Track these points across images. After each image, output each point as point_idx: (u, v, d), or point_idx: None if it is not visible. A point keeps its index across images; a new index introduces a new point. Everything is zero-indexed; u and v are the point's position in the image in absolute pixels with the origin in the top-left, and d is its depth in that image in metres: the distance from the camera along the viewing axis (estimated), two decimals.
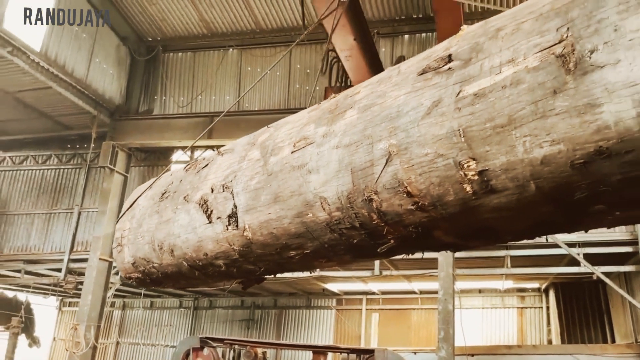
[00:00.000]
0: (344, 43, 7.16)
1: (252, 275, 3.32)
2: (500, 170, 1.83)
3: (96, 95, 12.69)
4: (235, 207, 2.92)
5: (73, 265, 12.65)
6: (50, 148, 14.89)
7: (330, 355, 9.55)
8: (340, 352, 9.18)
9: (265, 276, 3.48)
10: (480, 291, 16.41)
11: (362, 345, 13.60)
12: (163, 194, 3.69)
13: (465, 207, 2.00)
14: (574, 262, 10.49)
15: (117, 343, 17.01)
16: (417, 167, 2.04)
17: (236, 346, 9.72)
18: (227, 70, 13.77)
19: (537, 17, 1.79)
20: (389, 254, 2.53)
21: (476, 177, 1.89)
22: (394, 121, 2.12)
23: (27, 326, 16.89)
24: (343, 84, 9.07)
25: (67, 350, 12.22)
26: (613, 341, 12.33)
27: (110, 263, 11.32)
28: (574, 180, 1.70)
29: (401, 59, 9.13)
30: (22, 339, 15.53)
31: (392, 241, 2.38)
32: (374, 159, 2.19)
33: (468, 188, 1.93)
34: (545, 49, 1.69)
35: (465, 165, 1.90)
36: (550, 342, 15.00)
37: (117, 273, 11.98)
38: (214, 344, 9.67)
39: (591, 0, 1.63)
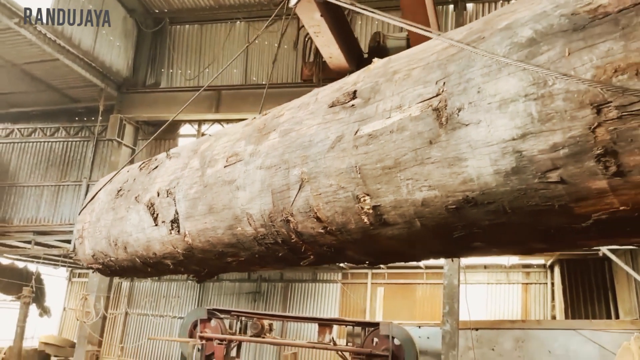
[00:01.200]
0: (310, 19, 7.19)
1: (198, 274, 3.54)
2: (390, 207, 2.00)
3: (103, 68, 12.74)
4: (177, 213, 3.10)
5: None
6: (58, 121, 15.03)
7: (335, 327, 9.83)
8: (346, 325, 9.45)
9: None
10: (485, 267, 16.67)
11: (367, 319, 14.00)
12: (119, 191, 3.87)
13: (366, 234, 2.19)
14: None
15: (126, 313, 17.49)
16: (324, 196, 2.21)
17: (243, 318, 10.07)
18: (235, 43, 13.71)
19: (424, 65, 1.94)
20: (314, 265, 2.73)
21: (371, 211, 2.07)
22: (307, 150, 2.29)
23: (38, 296, 17.31)
24: (319, 59, 9.13)
25: (77, 320, 12.61)
26: (617, 317, 12.61)
27: None
28: (451, 222, 1.88)
29: (377, 35, 9.12)
30: (33, 308, 15.99)
31: (311, 257, 2.58)
32: (289, 183, 2.36)
33: (365, 219, 2.11)
34: (425, 100, 1.84)
35: (362, 200, 2.08)
36: (554, 317, 15.35)
37: None
38: (221, 316, 10.02)
39: (465, 58, 1.77)
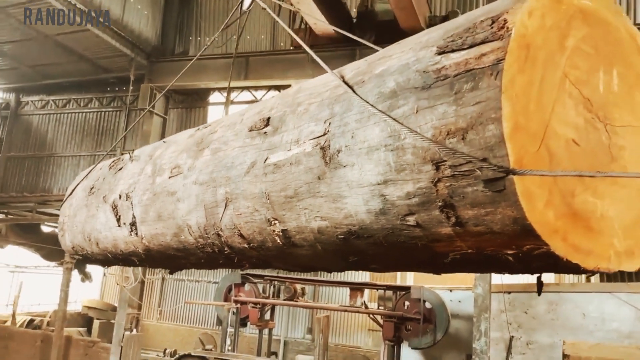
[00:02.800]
0: None
1: (166, 268, 3.80)
2: (295, 231, 2.20)
3: (132, 37, 13.01)
4: (134, 217, 3.34)
5: None
6: (91, 91, 15.50)
7: (367, 291, 10.15)
8: (377, 289, 9.76)
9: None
10: None
11: (399, 283, 14.38)
12: (91, 189, 4.12)
13: (282, 253, 2.39)
14: None
15: (163, 279, 18.29)
16: (243, 216, 2.41)
17: (276, 282, 10.49)
18: (262, 9, 13.72)
19: (319, 102, 2.09)
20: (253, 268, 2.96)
21: (281, 234, 2.26)
22: (229, 171, 2.48)
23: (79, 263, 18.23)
24: (306, 26, 9.15)
25: (117, 285, 13.27)
26: None
27: None
28: (344, 249, 2.07)
29: (365, 0, 9.04)
30: (75, 274, 16.86)
31: (246, 265, 2.80)
32: (217, 201, 2.56)
33: (279, 240, 2.31)
34: (315, 138, 2.01)
35: (273, 223, 2.27)
36: (588, 280, 15.47)
37: None
38: (255, 280, 10.43)
39: (347, 100, 1.92)
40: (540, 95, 1.49)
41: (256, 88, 13.53)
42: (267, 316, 11.66)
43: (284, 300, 10.46)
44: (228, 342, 11.66)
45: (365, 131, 1.79)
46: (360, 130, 1.80)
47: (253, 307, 10.55)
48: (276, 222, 2.25)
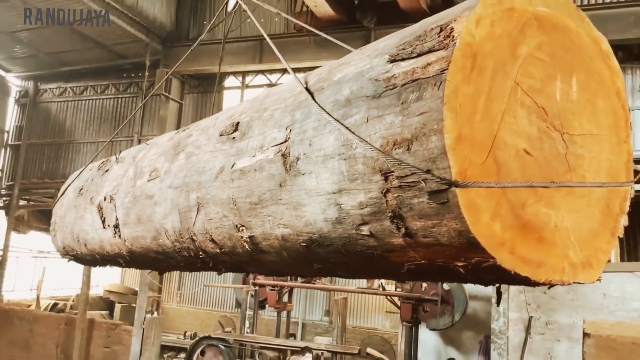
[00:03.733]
0: None
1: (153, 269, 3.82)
2: (261, 238, 2.20)
3: (147, 22, 13.10)
4: (117, 219, 3.36)
5: None
6: (107, 78, 15.68)
7: None
8: None
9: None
10: None
11: None
12: (80, 190, 4.15)
13: (252, 258, 2.39)
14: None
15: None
16: (214, 221, 2.42)
17: None
18: None
19: (283, 108, 2.08)
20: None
21: (248, 240, 2.26)
22: (200, 176, 2.48)
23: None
24: (308, 9, 9.13)
25: (138, 269, 13.41)
26: None
27: None
28: (307, 256, 2.07)
29: None
30: None
31: (222, 269, 2.81)
32: (190, 205, 2.57)
33: (247, 246, 2.31)
34: (277, 145, 2.00)
35: (240, 229, 2.27)
36: (609, 260, 15.32)
37: None
38: None
39: (307, 107, 1.91)
40: (488, 105, 1.47)
41: (271, 72, 13.52)
42: (285, 298, 11.76)
43: (302, 282, 10.54)
44: (247, 324, 11.81)
45: (321, 139, 1.78)
46: (317, 138, 1.80)
47: (271, 290, 10.66)
48: (243, 228, 2.25)
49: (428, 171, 1.42)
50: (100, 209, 3.62)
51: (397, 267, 1.79)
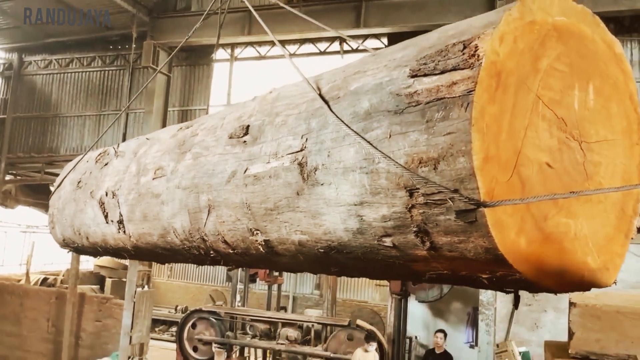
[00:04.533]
0: None
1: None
2: (277, 242, 2.22)
3: None
4: (121, 215, 3.36)
5: None
6: (93, 50, 15.29)
7: None
8: None
9: None
10: None
11: None
12: (78, 183, 4.12)
13: (266, 259, 2.42)
14: None
15: None
16: (226, 224, 2.43)
17: None
18: None
19: (297, 114, 2.08)
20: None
21: (263, 244, 2.28)
22: (211, 178, 2.48)
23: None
24: None
25: None
26: None
27: None
28: (325, 260, 2.10)
29: None
30: None
31: (234, 266, 2.83)
32: (200, 207, 2.57)
33: (261, 249, 2.33)
34: (293, 153, 2.00)
35: (255, 233, 2.29)
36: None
37: None
38: None
39: (323, 116, 1.91)
40: (512, 122, 1.49)
41: (260, 43, 13.32)
42: (276, 272, 11.79)
43: None
44: (238, 298, 11.92)
45: (340, 151, 1.78)
46: (336, 150, 1.80)
47: None
48: (258, 232, 2.26)
49: (456, 191, 1.44)
50: (102, 204, 3.61)
51: (418, 275, 1.83)
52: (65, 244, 4.50)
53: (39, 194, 16.51)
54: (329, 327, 10.01)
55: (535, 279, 1.51)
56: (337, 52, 12.49)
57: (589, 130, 1.71)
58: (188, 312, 11.67)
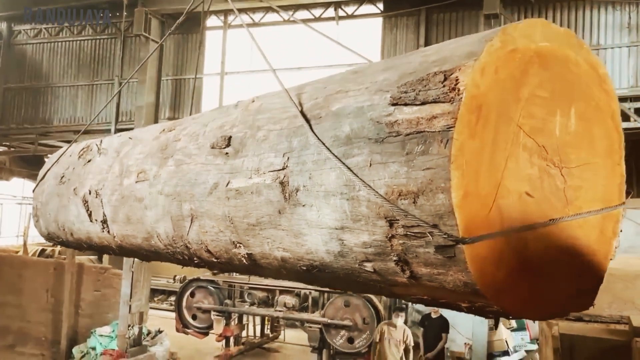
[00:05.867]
0: None
1: None
2: (259, 256, 2.22)
3: None
4: (105, 215, 3.33)
5: None
6: (84, 18, 14.93)
7: None
8: None
9: None
10: None
11: None
12: (62, 178, 4.07)
13: (250, 270, 2.42)
14: (625, 118, 9.74)
15: None
16: (209, 234, 2.42)
17: None
18: None
19: (279, 131, 2.05)
20: None
21: (246, 256, 2.28)
22: (193, 188, 2.46)
23: None
24: None
25: None
26: None
27: None
28: (307, 277, 2.10)
29: None
30: None
31: (219, 271, 2.83)
32: (183, 215, 2.56)
33: (244, 261, 2.33)
34: (275, 171, 1.99)
35: (238, 246, 2.28)
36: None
37: None
38: None
39: (304, 136, 1.89)
40: (492, 155, 1.48)
41: (253, 10, 13.10)
42: None
43: None
44: None
45: (322, 174, 1.77)
46: (317, 173, 1.79)
47: None
48: (241, 245, 2.26)
49: (435, 226, 1.44)
50: (85, 202, 3.58)
51: (400, 296, 1.84)
52: (49, 237, 4.48)
53: (33, 166, 16.33)
54: (326, 294, 10.11)
55: (513, 311, 1.52)
56: (332, 19, 12.29)
57: (570, 155, 1.70)
58: (187, 281, 11.75)
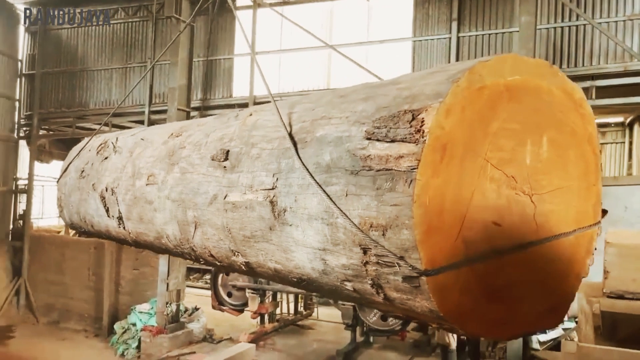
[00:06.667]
0: None
1: None
2: (255, 265, 2.36)
3: None
4: (120, 212, 3.52)
5: (154, 117, 13.45)
6: (116, 1, 15.14)
7: None
8: None
9: None
10: None
11: None
12: (82, 172, 4.27)
13: (249, 274, 2.57)
14: None
15: None
16: (211, 241, 2.57)
17: None
18: None
19: (270, 150, 2.17)
20: None
21: (244, 264, 2.43)
22: (195, 197, 2.60)
23: None
24: None
25: None
26: None
27: (188, 113, 11.91)
28: (298, 286, 2.24)
29: None
30: None
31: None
32: (188, 221, 2.71)
33: (243, 267, 2.48)
34: (266, 190, 2.11)
35: (236, 254, 2.43)
36: (630, 173, 15.49)
37: None
38: None
39: (291, 159, 2.01)
40: (457, 190, 1.57)
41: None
42: None
43: None
44: None
45: (305, 199, 1.89)
46: (302, 197, 1.90)
47: None
48: (239, 254, 2.40)
49: (401, 258, 1.54)
50: (103, 198, 3.77)
51: (383, 311, 1.96)
52: (73, 227, 4.71)
53: (71, 148, 16.77)
54: None
55: (477, 333, 1.63)
56: None
57: (541, 182, 1.78)
58: None
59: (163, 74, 13.76)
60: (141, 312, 11.46)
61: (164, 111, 12.45)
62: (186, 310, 11.41)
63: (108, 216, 3.73)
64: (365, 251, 1.68)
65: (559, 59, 10.06)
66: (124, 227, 3.56)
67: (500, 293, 1.69)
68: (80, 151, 4.60)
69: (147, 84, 13.56)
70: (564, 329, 9.85)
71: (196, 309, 11.66)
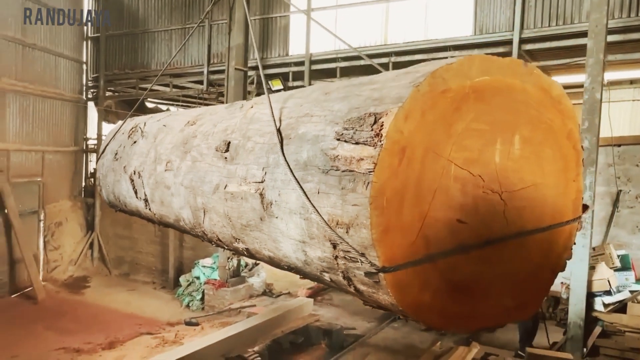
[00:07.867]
0: None
1: None
2: (254, 251, 2.50)
3: None
4: (146, 195, 3.73)
5: (212, 77, 13.73)
6: None
7: None
8: None
9: None
10: (631, 82, 15.51)
11: None
12: (116, 154, 4.52)
13: (252, 258, 2.71)
14: None
15: None
16: (217, 227, 2.73)
17: None
18: None
19: (262, 145, 2.27)
20: None
21: (245, 250, 2.57)
22: (203, 185, 2.75)
23: None
24: None
25: None
26: None
27: (245, 72, 12.09)
28: (294, 272, 2.36)
29: None
30: None
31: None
32: (198, 207, 2.87)
33: (245, 253, 2.63)
34: (257, 183, 2.23)
35: (237, 241, 2.57)
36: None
37: (252, 82, 12.89)
38: None
39: (278, 154, 2.11)
40: (417, 190, 1.63)
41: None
42: None
43: None
44: None
45: (287, 193, 1.99)
46: (284, 191, 2.01)
47: None
48: (239, 241, 2.54)
49: (363, 254, 1.63)
50: (132, 180, 3.99)
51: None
52: (111, 205, 4.99)
53: (136, 109, 17.32)
54: None
55: (440, 326, 1.70)
56: None
57: (512, 180, 1.81)
58: None
59: (220, 33, 13.81)
60: (204, 266, 12.01)
61: (222, 71, 12.58)
62: (246, 265, 11.74)
63: (137, 197, 3.95)
64: (334, 246, 1.77)
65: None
66: (149, 209, 3.77)
67: (466, 288, 1.75)
68: (115, 134, 4.83)
69: (204, 44, 13.71)
70: (631, 291, 9.38)
71: (256, 264, 11.96)
